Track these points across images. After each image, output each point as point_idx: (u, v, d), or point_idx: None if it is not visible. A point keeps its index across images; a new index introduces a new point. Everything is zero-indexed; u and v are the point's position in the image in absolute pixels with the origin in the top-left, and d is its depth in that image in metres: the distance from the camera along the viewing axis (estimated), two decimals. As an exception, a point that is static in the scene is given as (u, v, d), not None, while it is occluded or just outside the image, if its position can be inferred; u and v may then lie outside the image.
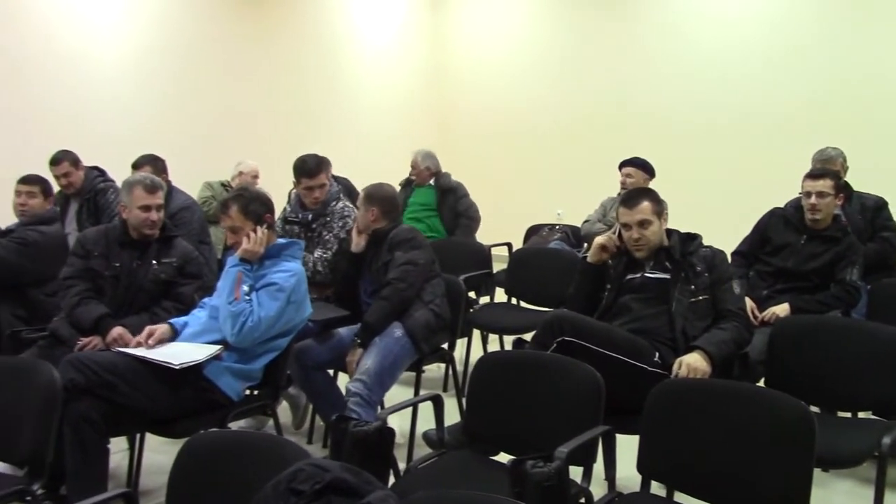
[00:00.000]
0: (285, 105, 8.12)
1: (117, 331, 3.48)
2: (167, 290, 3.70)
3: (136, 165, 4.96)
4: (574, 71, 8.84)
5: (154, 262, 3.70)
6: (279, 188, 6.58)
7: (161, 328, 3.39)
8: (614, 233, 3.49)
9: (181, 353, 3.23)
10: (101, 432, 3.04)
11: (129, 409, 3.11)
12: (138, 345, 3.32)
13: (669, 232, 3.43)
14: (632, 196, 3.45)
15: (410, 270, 3.79)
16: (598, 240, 3.51)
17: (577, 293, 3.55)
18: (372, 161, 7.06)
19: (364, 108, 8.92)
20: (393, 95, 9.28)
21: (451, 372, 4.36)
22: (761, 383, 3.33)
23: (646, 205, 3.35)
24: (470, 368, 4.04)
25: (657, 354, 3.20)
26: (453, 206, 5.95)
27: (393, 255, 3.83)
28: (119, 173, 5.36)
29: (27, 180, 4.50)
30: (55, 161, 5.15)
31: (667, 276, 3.32)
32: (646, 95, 8.35)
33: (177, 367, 3.11)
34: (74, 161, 5.17)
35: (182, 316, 3.57)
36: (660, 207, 3.38)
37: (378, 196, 3.97)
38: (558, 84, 8.95)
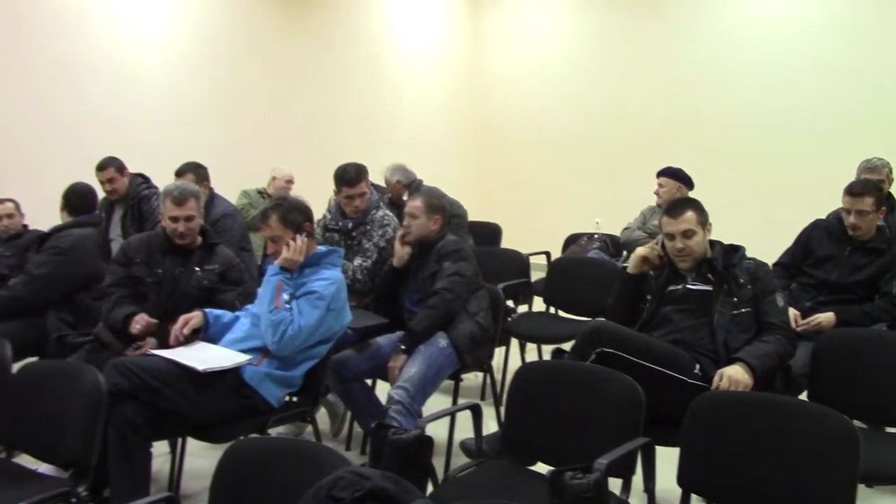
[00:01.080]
0: (326, 112, 8.17)
1: (140, 318, 3.55)
2: (209, 297, 3.74)
3: (179, 173, 5.04)
4: (614, 77, 8.78)
5: (197, 268, 3.75)
6: (319, 195, 6.64)
7: (195, 315, 3.44)
8: (657, 244, 3.46)
9: (211, 359, 3.28)
10: (145, 436, 3.09)
11: (172, 414, 3.15)
12: (176, 339, 3.37)
13: (712, 243, 3.40)
14: (676, 206, 3.42)
15: (458, 281, 3.82)
16: (640, 251, 3.49)
17: (616, 304, 3.53)
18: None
19: (403, 116, 8.95)
20: (432, 103, 9.30)
21: (489, 381, 4.36)
22: (804, 396, 3.29)
23: (690, 215, 3.33)
24: (508, 377, 4.06)
25: (698, 366, 3.17)
26: None
27: (441, 265, 3.86)
28: (163, 180, 5.46)
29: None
30: (101, 167, 5.25)
31: (709, 287, 3.29)
32: (687, 101, 8.26)
33: (201, 371, 3.15)
34: (119, 167, 5.27)
35: None
36: (703, 218, 3.36)
37: (440, 204, 4.03)
38: (597, 90, 8.90)
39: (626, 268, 3.59)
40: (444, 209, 4.05)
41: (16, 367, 3.33)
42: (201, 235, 3.85)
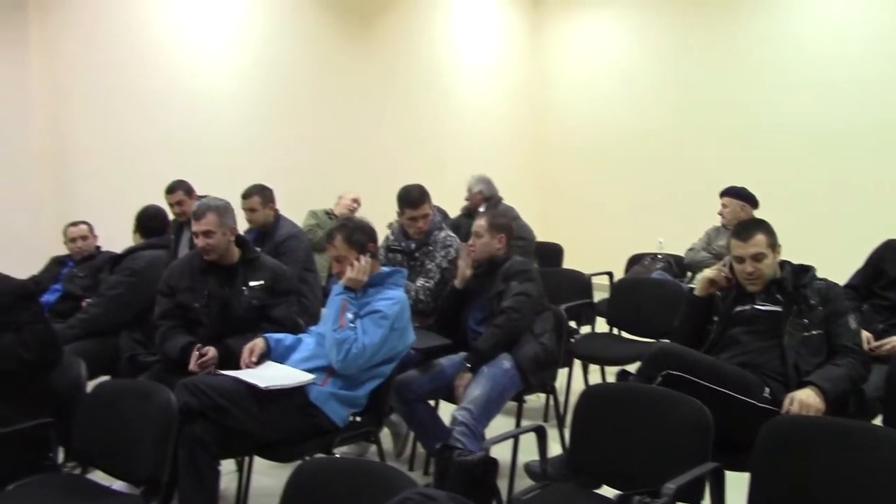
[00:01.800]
0: (388, 133, 8.25)
1: (195, 355, 3.51)
2: (262, 315, 3.75)
3: (246, 195, 5.14)
4: (676, 91, 8.65)
5: (244, 288, 3.74)
6: (383, 216, 6.70)
7: (257, 343, 3.47)
8: (724, 265, 3.41)
9: (275, 377, 3.32)
10: (213, 455, 3.15)
11: (239, 432, 3.20)
12: (246, 367, 3.40)
13: (781, 263, 3.33)
14: (745, 228, 3.36)
15: (524, 301, 3.83)
16: (707, 273, 3.44)
17: (683, 326, 3.48)
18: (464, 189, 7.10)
19: (463, 135, 8.97)
20: (491, 122, 9.31)
21: (552, 402, 4.33)
22: (878, 421, 3.20)
23: (760, 237, 3.26)
24: (571, 399, 4.04)
25: (767, 390, 3.11)
26: None
27: (508, 284, 3.87)
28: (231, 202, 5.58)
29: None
30: (170, 190, 5.39)
31: (778, 308, 3.22)
32: (753, 117, 8.09)
33: (263, 388, 3.19)
34: (188, 190, 5.41)
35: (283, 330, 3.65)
36: (773, 239, 3.29)
37: (504, 223, 4.05)
38: (658, 107, 8.78)
39: (692, 290, 3.54)
40: (509, 228, 4.07)
41: (90, 385, 3.42)
42: (240, 248, 3.83)
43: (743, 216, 5.24)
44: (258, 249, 4.08)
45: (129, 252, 4.60)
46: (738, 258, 3.29)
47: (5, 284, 3.28)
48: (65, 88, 6.08)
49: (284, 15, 7.40)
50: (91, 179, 6.15)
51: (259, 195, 5.12)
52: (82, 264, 4.98)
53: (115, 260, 4.61)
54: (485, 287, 3.97)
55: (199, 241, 3.71)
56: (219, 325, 3.72)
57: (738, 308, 3.31)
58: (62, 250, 5.19)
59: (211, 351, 3.52)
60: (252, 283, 3.76)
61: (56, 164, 6.05)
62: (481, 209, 6.03)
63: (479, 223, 4.05)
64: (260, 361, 3.46)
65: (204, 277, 3.78)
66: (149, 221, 4.84)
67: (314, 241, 5.97)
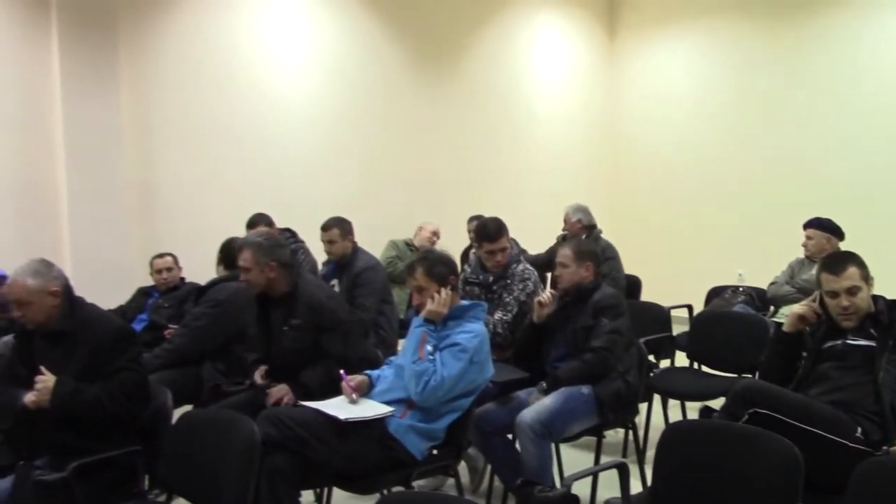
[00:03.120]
0: (465, 165, 8.33)
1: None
2: (319, 352, 3.76)
3: (325, 228, 5.22)
4: (754, 123, 8.52)
5: (285, 327, 3.79)
6: (460, 248, 6.75)
7: (360, 379, 3.51)
8: (814, 300, 3.31)
9: (354, 409, 3.36)
10: (294, 486, 3.17)
11: (319, 464, 3.22)
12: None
13: (874, 297, 3.22)
14: (836, 261, 3.26)
15: (617, 340, 3.80)
16: (797, 309, 3.33)
17: (769, 362, 3.39)
18: (544, 218, 7.07)
19: (539, 167, 8.99)
20: (568, 151, 9.31)
21: (631, 437, 4.25)
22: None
23: (853, 270, 3.16)
24: (651, 434, 3.96)
25: (860, 429, 3.00)
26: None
27: (599, 320, 3.83)
28: (309, 235, 5.70)
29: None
30: (251, 224, 5.52)
31: (871, 343, 3.11)
32: (834, 147, 7.92)
33: (342, 420, 3.21)
34: (269, 223, 5.53)
35: (349, 366, 3.66)
36: (866, 272, 3.19)
37: (590, 251, 4.04)
38: (737, 137, 8.65)
39: (780, 325, 3.45)
40: (595, 255, 4.03)
41: (175, 413, 3.48)
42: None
43: (828, 248, 5.11)
44: (328, 283, 4.15)
45: (213, 283, 4.70)
46: (832, 293, 3.19)
47: (106, 324, 3.32)
48: (151, 124, 6.32)
49: (364, 49, 7.57)
50: (175, 212, 6.35)
51: (338, 227, 5.20)
52: (167, 295, 5.11)
53: (200, 291, 4.71)
54: (570, 318, 3.94)
55: (242, 276, 3.84)
56: (274, 358, 3.82)
57: (829, 343, 3.21)
58: (148, 281, 5.35)
59: (284, 393, 3.63)
60: (292, 322, 3.79)
61: (142, 197, 6.27)
62: (583, 237, 6.05)
63: (565, 253, 4.04)
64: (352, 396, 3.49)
65: (258, 310, 3.91)
66: (233, 252, 4.93)
67: (394, 273, 6.01)
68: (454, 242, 6.85)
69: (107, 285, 5.44)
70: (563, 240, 6.21)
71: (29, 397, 3.09)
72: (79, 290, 3.40)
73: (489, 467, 4.19)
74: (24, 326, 3.32)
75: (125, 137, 6.11)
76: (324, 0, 7.33)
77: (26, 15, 5.77)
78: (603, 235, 6.25)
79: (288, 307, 3.80)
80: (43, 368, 3.12)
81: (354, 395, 3.43)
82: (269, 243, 3.87)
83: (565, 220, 6.18)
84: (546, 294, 3.65)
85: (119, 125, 6.05)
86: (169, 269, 5.16)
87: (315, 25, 7.28)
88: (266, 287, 3.82)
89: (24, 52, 5.78)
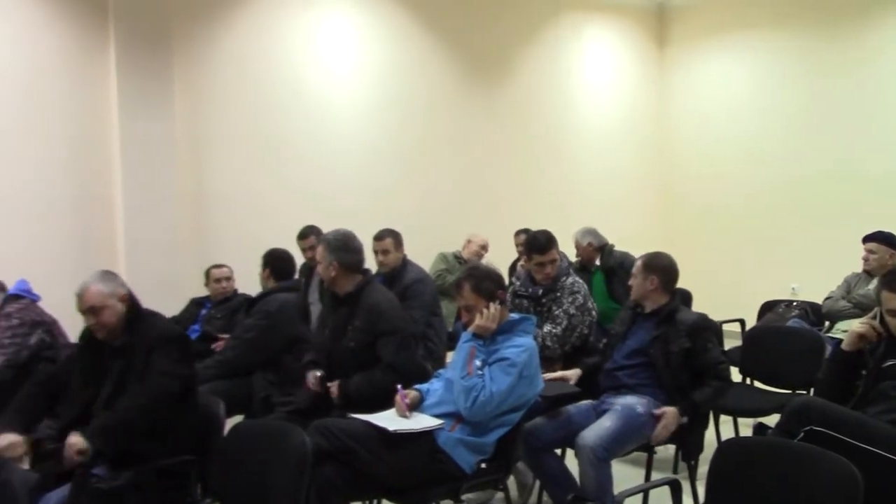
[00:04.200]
0: (513, 178, 8.34)
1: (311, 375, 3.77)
2: (369, 356, 3.80)
3: (379, 237, 5.25)
4: (808, 134, 8.36)
5: (348, 326, 3.85)
6: (506, 260, 6.74)
7: (414, 395, 3.53)
8: (874, 317, 3.24)
9: (403, 421, 3.37)
10: (344, 497, 3.20)
11: (368, 476, 3.24)
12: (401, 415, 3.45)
13: (937, 315, 3.14)
14: (896, 278, 3.20)
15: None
16: (857, 328, 3.25)
17: (827, 380, 3.31)
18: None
19: (587, 180, 8.94)
20: (615, 166, 9.24)
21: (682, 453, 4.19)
22: None
23: None
24: (704, 448, 3.90)
25: (922, 450, 2.92)
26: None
27: (704, 343, 3.79)
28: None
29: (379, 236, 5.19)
30: (303, 235, 5.59)
31: (934, 362, 3.04)
32: (890, 158, 7.76)
33: (391, 432, 3.23)
34: (318, 234, 5.57)
35: (393, 374, 3.70)
36: (929, 290, 3.11)
37: (659, 265, 3.97)
38: (790, 149, 8.50)
39: (839, 343, 3.37)
40: (663, 271, 3.96)
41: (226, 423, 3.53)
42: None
43: (890, 264, 4.99)
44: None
45: (263, 295, 4.75)
46: (893, 311, 3.11)
47: (160, 328, 3.36)
48: (204, 139, 6.45)
49: (412, 64, 7.64)
50: (227, 224, 6.46)
51: (392, 237, 5.23)
52: (220, 306, 5.18)
53: (251, 303, 4.77)
54: (644, 330, 3.92)
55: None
56: (331, 362, 3.88)
57: (889, 362, 3.13)
58: (200, 292, 5.43)
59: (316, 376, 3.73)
60: (355, 324, 3.85)
61: (195, 209, 6.37)
62: (597, 262, 5.98)
63: (637, 263, 4.03)
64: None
65: (330, 314, 3.99)
66: (281, 263, 4.99)
67: (443, 285, 6.02)
68: (502, 255, 6.86)
69: (160, 296, 5.48)
70: (579, 267, 6.09)
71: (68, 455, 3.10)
72: (133, 301, 3.47)
73: (538, 482, 4.17)
74: (93, 336, 3.36)
75: (179, 152, 6.24)
76: (373, 15, 7.41)
77: (85, 36, 5.95)
78: (618, 248, 6.15)
79: (351, 308, 3.87)
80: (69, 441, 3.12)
81: (408, 413, 3.43)
82: (336, 244, 3.97)
83: (577, 247, 6.08)
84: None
85: (173, 140, 6.18)
86: (227, 279, 5.25)
87: (364, 40, 7.36)
88: (330, 283, 3.93)
89: (83, 72, 5.96)
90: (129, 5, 5.97)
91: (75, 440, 3.06)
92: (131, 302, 3.38)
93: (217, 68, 6.54)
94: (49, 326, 4.06)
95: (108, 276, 3.39)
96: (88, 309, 3.28)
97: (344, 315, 3.89)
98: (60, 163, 5.88)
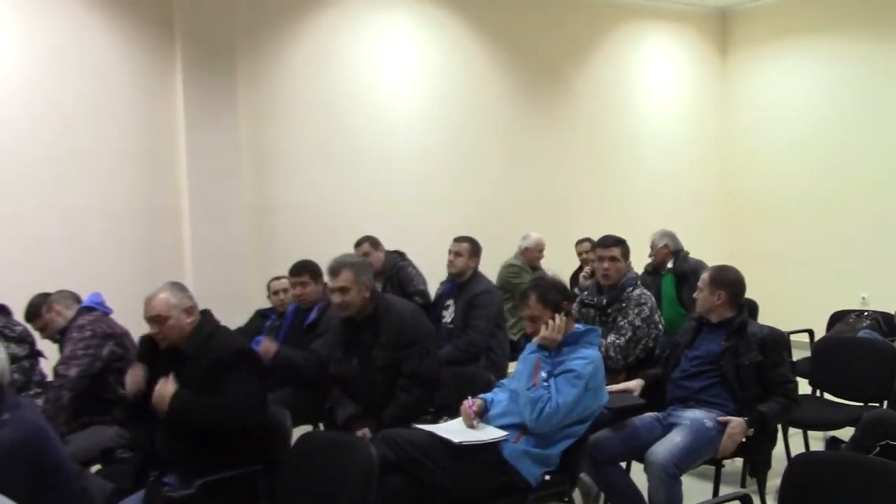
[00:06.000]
0: (573, 187, 8.31)
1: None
2: (398, 371, 3.78)
3: (459, 239, 5.28)
4: (877, 138, 8.12)
5: (373, 348, 3.81)
6: (567, 266, 6.71)
7: (479, 403, 3.52)
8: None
9: (468, 432, 3.37)
10: (410, 508, 3.20)
11: (433, 487, 3.24)
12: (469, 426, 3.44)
13: None
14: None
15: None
16: None
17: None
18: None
19: (649, 188, 8.85)
20: (676, 173, 9.13)
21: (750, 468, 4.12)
22: None
23: None
24: (773, 464, 3.82)
25: None
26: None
27: (771, 358, 3.73)
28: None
29: (296, 272, 4.87)
30: (358, 243, 5.68)
31: None
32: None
33: (455, 443, 3.23)
34: (374, 243, 5.68)
35: (424, 388, 3.74)
36: None
37: (726, 279, 3.91)
38: (858, 154, 8.27)
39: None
40: (731, 285, 3.89)
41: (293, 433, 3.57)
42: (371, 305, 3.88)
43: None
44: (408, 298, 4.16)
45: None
46: None
47: (227, 342, 3.40)
48: (268, 151, 6.58)
49: (473, 74, 7.70)
50: (290, 234, 6.55)
51: (469, 243, 5.24)
52: (283, 317, 5.23)
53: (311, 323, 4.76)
54: (711, 341, 3.87)
55: (335, 297, 3.83)
56: (369, 393, 3.81)
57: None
58: (265, 303, 5.50)
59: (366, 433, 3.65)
60: (381, 341, 3.81)
61: (259, 220, 6.49)
62: (669, 265, 5.92)
63: (703, 276, 3.97)
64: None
65: (349, 344, 3.92)
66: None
67: (516, 282, 6.01)
68: (563, 266, 6.82)
69: (226, 306, 5.56)
70: (651, 268, 6.07)
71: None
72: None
73: (602, 495, 4.13)
74: (156, 345, 3.42)
75: (243, 164, 6.36)
76: (434, 28, 7.46)
77: (152, 51, 6.11)
78: (692, 256, 6.07)
79: (375, 328, 3.84)
80: (164, 380, 3.22)
81: (475, 422, 3.42)
82: (363, 263, 3.99)
83: (652, 247, 6.03)
84: None
85: (238, 152, 6.30)
86: (285, 291, 5.29)
87: (426, 52, 7.41)
88: (359, 309, 3.85)
89: (150, 87, 6.11)
90: (194, 21, 6.11)
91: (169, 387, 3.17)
92: (199, 315, 3.42)
93: (280, 81, 6.65)
94: (120, 339, 4.15)
95: (178, 287, 3.44)
96: (153, 317, 3.33)
97: (369, 337, 3.84)
98: (129, 176, 6.03)
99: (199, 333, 3.37)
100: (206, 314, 3.46)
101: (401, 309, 3.92)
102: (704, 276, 3.96)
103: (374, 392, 3.79)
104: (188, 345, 3.35)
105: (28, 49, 5.67)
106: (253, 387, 3.30)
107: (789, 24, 8.89)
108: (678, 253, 5.98)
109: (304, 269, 4.88)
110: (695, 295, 3.99)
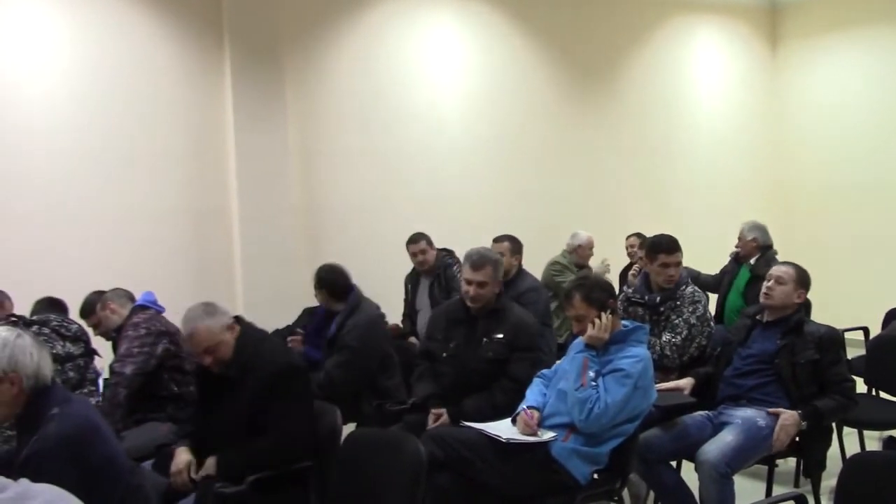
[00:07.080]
0: (621, 182, 8.26)
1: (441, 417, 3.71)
2: (501, 368, 3.80)
3: (497, 240, 5.27)
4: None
5: (484, 339, 3.83)
6: (618, 266, 6.66)
7: (537, 415, 3.47)
8: None
9: (517, 431, 3.37)
10: (458, 506, 3.20)
11: (482, 485, 3.25)
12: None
13: None
14: None
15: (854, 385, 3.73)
16: None
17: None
18: (705, 239, 6.88)
19: (699, 183, 8.75)
20: (729, 168, 9.03)
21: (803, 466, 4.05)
22: None
23: None
24: (827, 463, 3.75)
25: None
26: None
27: (829, 356, 3.70)
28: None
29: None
30: (413, 240, 5.70)
31: None
32: None
33: (504, 441, 3.23)
34: (429, 241, 5.68)
35: (516, 393, 3.68)
36: None
37: (808, 281, 3.90)
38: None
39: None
40: (807, 287, 3.87)
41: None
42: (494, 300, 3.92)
43: None
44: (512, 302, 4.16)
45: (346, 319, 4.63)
46: None
47: (266, 365, 3.27)
48: (316, 152, 6.64)
49: (519, 72, 7.71)
50: (337, 234, 6.61)
51: (510, 242, 5.25)
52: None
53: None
54: (766, 339, 3.83)
55: (472, 290, 3.86)
56: (457, 376, 3.85)
57: None
58: (313, 301, 5.53)
59: (442, 418, 3.69)
60: (494, 336, 3.83)
61: (307, 220, 6.55)
62: (752, 260, 5.86)
63: (786, 270, 3.89)
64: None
65: (454, 327, 3.95)
66: (342, 280, 4.76)
67: (559, 280, 6.00)
68: (612, 262, 6.77)
69: (275, 304, 5.72)
70: (734, 258, 6.01)
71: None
72: (249, 309, 3.54)
73: (651, 493, 4.10)
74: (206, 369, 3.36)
75: (292, 164, 6.42)
76: (480, 25, 7.46)
77: (201, 53, 6.19)
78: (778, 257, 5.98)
79: (493, 322, 3.88)
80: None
81: (539, 431, 3.39)
82: (501, 261, 4.07)
83: (740, 238, 6.00)
84: None
85: (286, 153, 6.36)
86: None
87: (471, 51, 7.42)
88: (487, 303, 3.90)
89: (199, 88, 6.20)
90: (242, 23, 6.17)
91: (210, 465, 3.17)
92: (240, 326, 3.36)
93: (328, 82, 6.70)
94: (173, 336, 4.20)
95: (209, 309, 3.31)
96: (205, 350, 3.24)
97: (484, 328, 3.87)
98: (179, 177, 6.12)
99: (243, 354, 3.29)
100: (243, 325, 3.39)
101: (525, 313, 4.02)
102: (790, 271, 3.87)
103: (464, 379, 3.82)
104: (233, 370, 3.27)
105: (79, 51, 5.78)
106: (296, 414, 3.27)
107: (839, 16, 8.72)
108: (766, 250, 5.91)
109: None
110: (769, 286, 3.88)
